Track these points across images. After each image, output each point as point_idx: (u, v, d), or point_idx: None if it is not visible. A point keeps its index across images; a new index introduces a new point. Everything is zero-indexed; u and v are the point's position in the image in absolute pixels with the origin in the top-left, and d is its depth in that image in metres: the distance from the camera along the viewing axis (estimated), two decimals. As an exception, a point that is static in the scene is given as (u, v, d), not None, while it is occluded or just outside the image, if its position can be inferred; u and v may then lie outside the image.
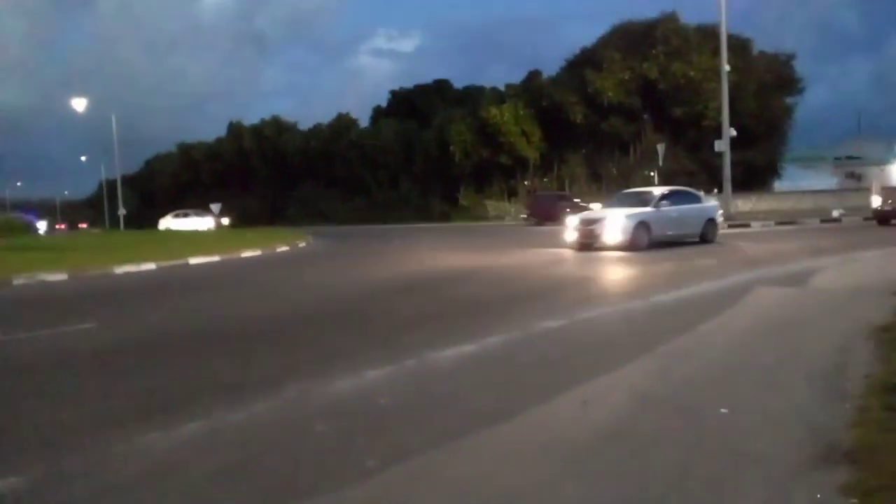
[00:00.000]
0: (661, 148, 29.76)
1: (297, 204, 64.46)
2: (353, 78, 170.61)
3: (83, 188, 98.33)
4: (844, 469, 3.25)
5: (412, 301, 9.84)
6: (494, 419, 4.18)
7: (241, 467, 3.59)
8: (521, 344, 6.49)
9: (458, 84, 70.18)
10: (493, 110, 51.24)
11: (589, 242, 16.75)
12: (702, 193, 19.13)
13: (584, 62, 50.59)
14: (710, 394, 4.64)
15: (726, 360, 5.67)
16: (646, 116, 47.54)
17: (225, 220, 50.25)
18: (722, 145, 30.16)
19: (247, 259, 18.95)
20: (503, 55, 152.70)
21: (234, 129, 75.72)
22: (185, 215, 48.20)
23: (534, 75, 56.67)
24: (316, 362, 5.91)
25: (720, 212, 18.94)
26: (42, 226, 48.98)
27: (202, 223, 45.86)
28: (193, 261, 17.30)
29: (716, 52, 32.98)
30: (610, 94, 47.64)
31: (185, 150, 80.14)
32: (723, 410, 4.26)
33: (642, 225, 16.53)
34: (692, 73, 45.48)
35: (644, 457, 3.59)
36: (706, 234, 18.11)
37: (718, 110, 31.49)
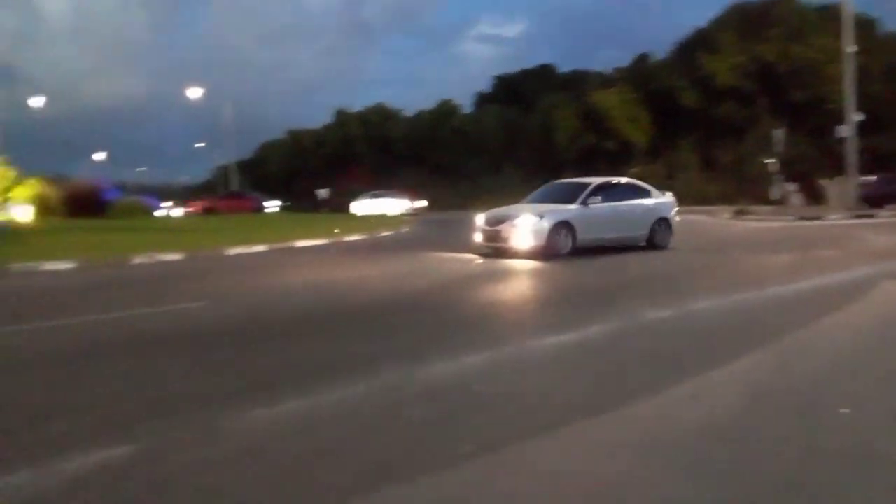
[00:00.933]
0: (779, 134, 28.19)
1: (401, 190, 65.31)
2: (457, 64, 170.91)
3: (199, 173, 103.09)
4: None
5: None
6: (594, 411, 4.02)
7: (338, 446, 3.59)
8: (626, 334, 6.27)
9: (564, 69, 69.02)
10: (600, 95, 50.12)
11: (496, 247, 13.39)
12: (651, 188, 15.07)
13: (697, 45, 48.57)
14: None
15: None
16: (762, 101, 45.23)
17: (422, 202, 48.92)
18: (845, 130, 28.36)
19: (349, 243, 19.31)
20: (611, 39, 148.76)
21: (341, 116, 77.36)
22: (378, 196, 46.71)
23: (642, 59, 54.98)
24: (413, 347, 5.89)
25: (675, 210, 15.10)
26: (176, 210, 50.73)
27: (397, 205, 44.94)
28: (300, 244, 17.79)
29: (838, 33, 30.95)
30: (724, 77, 45.57)
31: (295, 137, 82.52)
32: (843, 410, 3.95)
33: (562, 227, 13.01)
34: (813, 55, 42.87)
35: (757, 456, 3.35)
36: (655, 239, 14.30)
37: (842, 94, 29.58)
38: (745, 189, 40.45)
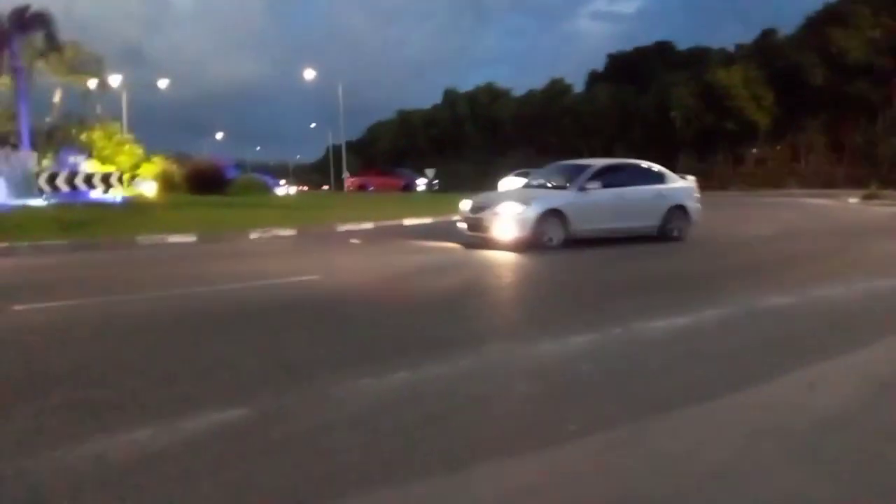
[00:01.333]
0: (916, 113, 26.23)
1: (508, 170, 65.09)
2: (571, 42, 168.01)
3: (312, 153, 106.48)
4: None
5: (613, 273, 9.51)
6: (706, 396, 3.90)
7: (443, 417, 3.65)
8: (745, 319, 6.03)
9: (682, 46, 66.49)
10: (721, 73, 48.01)
11: (478, 237, 11.99)
12: (667, 172, 13.32)
13: (828, 19, 45.69)
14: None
15: None
16: (899, 78, 42.12)
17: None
18: None
19: (454, 221, 19.42)
20: (734, 14, 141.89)
21: (449, 96, 77.74)
22: (526, 174, 44.77)
23: (768, 34, 52.27)
24: (520, 325, 5.89)
25: (694, 196, 13.36)
26: (291, 189, 51.89)
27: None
28: (407, 222, 18.08)
29: None
30: (856, 53, 42.69)
31: (404, 117, 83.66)
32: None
33: (551, 216, 11.60)
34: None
35: (876, 448, 3.16)
36: (669, 228, 12.70)
37: None
38: (877, 172, 37.89)
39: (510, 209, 11.61)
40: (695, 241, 12.28)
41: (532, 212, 11.53)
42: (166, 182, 33.28)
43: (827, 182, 40.34)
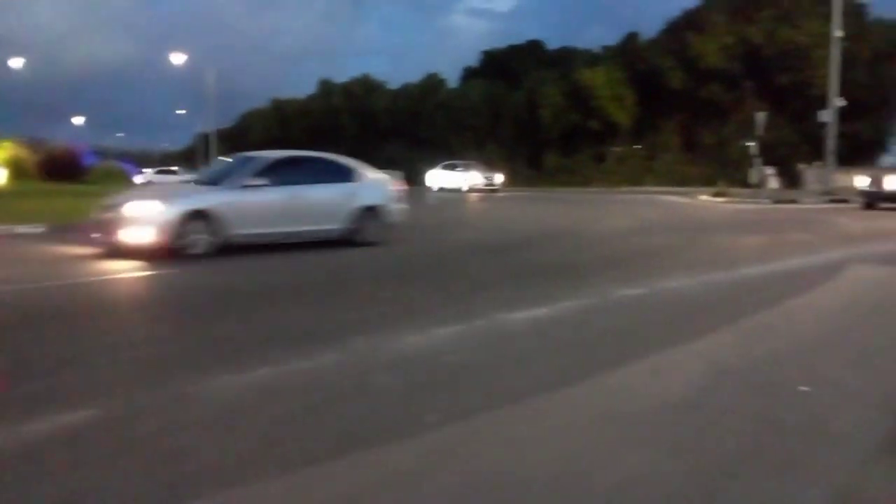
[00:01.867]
0: (761, 117, 28.33)
1: (382, 163, 65.03)
2: (447, 37, 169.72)
3: (180, 140, 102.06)
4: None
5: (491, 262, 9.76)
6: (559, 384, 4.09)
7: (305, 414, 3.62)
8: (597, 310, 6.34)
9: (552, 45, 68.68)
10: (587, 73, 49.99)
11: (108, 242, 9.67)
12: (358, 166, 11.81)
13: (686, 25, 48.56)
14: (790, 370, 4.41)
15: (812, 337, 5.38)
16: (748, 83, 45.35)
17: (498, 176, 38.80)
18: (826, 116, 28.54)
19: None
20: (602, 17, 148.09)
21: (325, 87, 76.72)
22: (454, 168, 38.24)
23: (631, 38, 54.88)
24: (386, 318, 5.92)
25: (393, 195, 11.92)
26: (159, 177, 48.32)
27: (471, 179, 36.34)
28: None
29: (827, 17, 31.02)
30: (711, 58, 45.61)
31: (278, 107, 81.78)
32: (802, 388, 4.04)
33: (197, 217, 9.56)
34: (800, 39, 43.01)
35: (714, 430, 3.43)
36: (360, 232, 11.06)
37: (826, 79, 29.73)
38: (726, 171, 40.73)
39: (140, 208, 9.53)
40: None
41: (170, 212, 9.43)
42: (17, 169, 31.05)
43: (681, 180, 42.91)
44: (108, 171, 33.76)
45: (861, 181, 22.24)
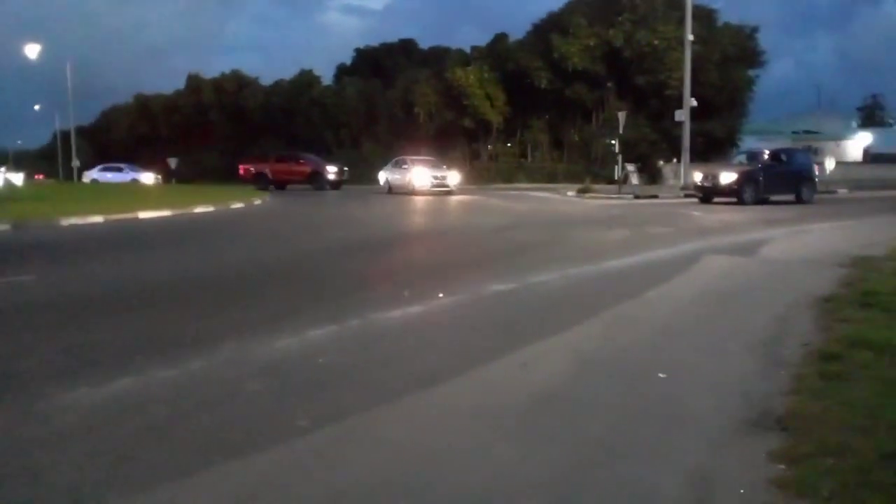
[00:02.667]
0: (622, 116, 29.76)
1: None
2: (320, 34, 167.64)
3: (36, 139, 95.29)
4: (775, 436, 3.28)
5: (361, 261, 9.72)
6: (432, 381, 4.13)
7: (169, 425, 3.49)
8: (468, 306, 6.45)
9: (424, 44, 69.26)
10: (459, 72, 50.67)
11: None
12: None
13: (551, 27, 50.14)
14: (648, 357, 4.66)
15: (669, 326, 5.70)
16: (609, 84, 47.43)
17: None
18: (682, 115, 30.33)
19: (199, 215, 18.56)
20: (472, 17, 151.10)
21: (193, 82, 73.79)
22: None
23: (500, 38, 56.07)
24: (257, 321, 5.78)
25: None
26: (16, 177, 44.93)
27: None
28: (143, 215, 16.89)
29: (681, 21, 32.96)
30: (575, 60, 47.33)
31: (143, 102, 77.89)
32: (661, 375, 4.28)
33: None
34: (657, 42, 45.40)
35: (579, 420, 3.58)
36: None
37: (681, 80, 31.59)
38: (592, 168, 42.53)
39: None
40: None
41: None
42: None
43: (550, 176, 44.40)
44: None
45: (697, 177, 23.32)
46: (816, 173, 23.81)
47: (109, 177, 44.99)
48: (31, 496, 2.74)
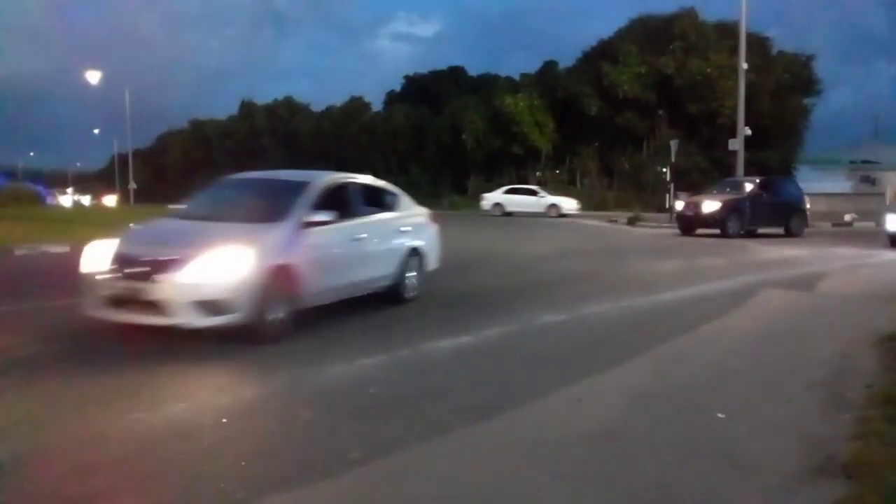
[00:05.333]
0: (674, 144, 29.43)
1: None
2: (371, 61, 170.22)
3: (95, 161, 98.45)
4: (841, 483, 3.16)
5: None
6: (485, 415, 4.09)
7: (224, 454, 3.51)
8: (519, 337, 6.40)
9: (473, 71, 69.68)
10: (508, 99, 50.86)
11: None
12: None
13: (601, 55, 50.10)
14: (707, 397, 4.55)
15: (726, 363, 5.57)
16: (660, 112, 47.06)
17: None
18: (736, 144, 29.84)
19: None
20: (521, 44, 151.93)
21: (246, 108, 75.63)
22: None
23: (550, 66, 56.24)
24: (311, 348, 5.82)
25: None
26: (84, 199, 45.81)
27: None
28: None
29: (734, 49, 32.57)
30: (625, 87, 47.15)
31: (198, 127, 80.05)
32: (719, 415, 4.17)
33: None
34: (709, 70, 44.98)
35: (635, 460, 3.50)
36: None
37: (734, 109, 31.14)
38: (642, 196, 42.09)
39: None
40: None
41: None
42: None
43: (600, 204, 44.01)
44: (17, 192, 32.31)
45: (679, 205, 21.47)
46: (807, 205, 22.10)
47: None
48: None
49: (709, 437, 3.85)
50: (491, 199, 35.73)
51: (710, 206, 20.08)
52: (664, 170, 32.70)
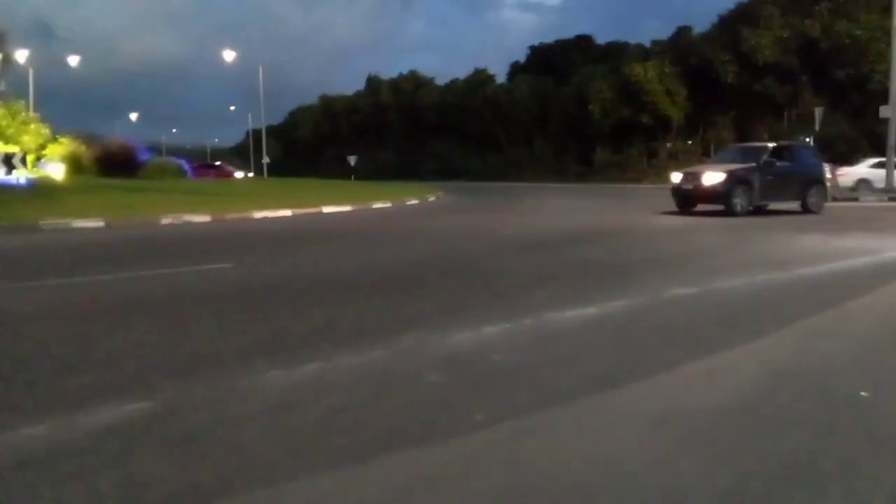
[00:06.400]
0: (818, 112, 27.58)
1: (430, 159, 65.20)
2: (496, 32, 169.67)
3: (231, 136, 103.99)
4: None
5: (536, 260, 9.68)
6: (610, 384, 4.02)
7: (352, 411, 3.63)
8: (647, 309, 6.23)
9: (602, 40, 68.06)
10: (637, 68, 49.33)
11: None
12: None
13: (739, 18, 47.53)
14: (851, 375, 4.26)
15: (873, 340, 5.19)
16: (804, 78, 44.18)
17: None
18: (888, 111, 27.60)
19: (377, 210, 19.36)
20: (653, 10, 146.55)
21: (373, 83, 77.31)
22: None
23: (683, 31, 53.99)
24: (434, 315, 5.91)
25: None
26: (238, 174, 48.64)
27: None
28: (327, 209, 17.89)
29: (886, 9, 30.02)
30: (766, 52, 44.58)
31: (326, 103, 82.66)
32: (863, 394, 3.90)
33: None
34: (859, 33, 41.70)
35: (768, 435, 3.33)
36: None
37: (886, 73, 28.74)
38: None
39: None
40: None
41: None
42: (74, 164, 31.98)
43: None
44: (162, 166, 34.55)
45: (676, 177, 18.66)
46: (828, 175, 19.44)
47: None
48: (233, 468, 2.95)
49: (850, 417, 3.61)
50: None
51: (711, 177, 17.36)
52: (808, 139, 30.69)
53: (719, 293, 7.01)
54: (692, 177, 17.83)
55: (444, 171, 59.21)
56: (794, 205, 18.38)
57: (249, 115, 74.52)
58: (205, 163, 56.58)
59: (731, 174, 17.19)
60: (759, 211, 17.79)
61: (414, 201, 22.68)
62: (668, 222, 15.52)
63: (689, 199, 17.94)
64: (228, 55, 44.83)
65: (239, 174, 48.48)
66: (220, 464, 2.98)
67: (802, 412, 3.64)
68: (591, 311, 6.03)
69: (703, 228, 14.18)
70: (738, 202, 17.04)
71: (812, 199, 18.38)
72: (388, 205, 20.65)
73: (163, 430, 3.36)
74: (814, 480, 2.86)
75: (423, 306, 6.28)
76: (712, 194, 17.19)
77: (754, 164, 17.71)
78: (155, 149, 50.82)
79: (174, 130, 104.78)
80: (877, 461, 3.06)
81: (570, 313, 5.91)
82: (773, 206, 18.27)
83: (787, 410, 3.67)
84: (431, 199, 24.49)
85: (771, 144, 19.22)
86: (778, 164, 17.95)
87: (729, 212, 16.85)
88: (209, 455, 3.07)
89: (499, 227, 14.71)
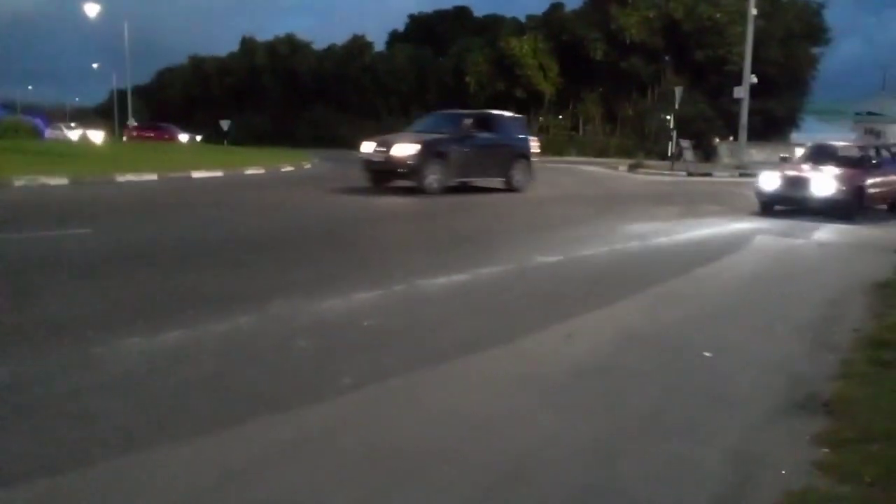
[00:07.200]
0: (678, 91, 29.07)
1: (306, 125, 63.80)
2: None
3: (93, 96, 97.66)
4: (820, 419, 3.24)
5: (409, 227, 9.78)
6: (476, 347, 4.16)
7: (218, 377, 3.58)
8: (514, 276, 6.46)
9: (479, 12, 68.43)
10: (513, 41, 50.07)
11: None
12: None
13: (609, -3, 49.14)
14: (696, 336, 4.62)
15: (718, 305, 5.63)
16: (667, 58, 46.38)
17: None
18: (741, 92, 29.52)
19: (250, 176, 18.85)
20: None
21: (247, 45, 74.38)
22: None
23: (556, 8, 55.14)
24: (305, 282, 5.88)
25: None
26: (95, 135, 44.86)
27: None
28: (196, 174, 17.21)
29: (744, -6, 31.94)
30: (633, 31, 46.33)
31: (197, 64, 78.85)
32: (706, 353, 4.24)
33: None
34: (718, 16, 44.17)
35: (622, 392, 3.58)
36: None
37: (742, 56, 30.69)
38: (644, 144, 41.83)
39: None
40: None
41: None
42: None
43: (601, 151, 43.78)
44: (15, 125, 31.97)
45: (367, 147, 15.22)
46: (535, 150, 17.21)
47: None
48: (88, 438, 2.86)
49: (696, 374, 3.93)
50: None
51: (402, 149, 14.39)
52: (668, 117, 32.36)
53: (581, 261, 7.33)
54: (384, 148, 14.71)
55: (320, 138, 58.15)
56: (499, 181, 16.04)
57: (114, 74, 70.02)
58: (147, 123, 52.55)
59: (425, 145, 14.39)
60: (459, 188, 15.09)
61: (288, 168, 22.21)
62: (534, 193, 15.96)
63: (380, 174, 15.01)
64: (91, 8, 41.76)
65: (184, 137, 45.36)
66: (74, 433, 2.87)
67: (651, 371, 3.92)
68: (460, 277, 6.18)
69: (561, 200, 14.73)
70: (430, 179, 14.33)
71: (517, 177, 16.14)
72: (262, 171, 20.12)
73: (14, 399, 3.20)
74: (658, 436, 3.10)
75: (293, 274, 6.23)
76: (403, 169, 14.35)
77: (452, 135, 15.11)
78: (9, 106, 46.94)
79: (30, 87, 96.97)
80: (718, 414, 3.35)
81: (441, 280, 6.04)
82: (476, 182, 15.78)
83: (638, 370, 3.95)
84: (307, 166, 24.07)
85: (474, 113, 16.79)
86: (480, 135, 15.46)
87: (421, 189, 14.20)
88: (61, 424, 2.95)
89: (372, 195, 14.69)
